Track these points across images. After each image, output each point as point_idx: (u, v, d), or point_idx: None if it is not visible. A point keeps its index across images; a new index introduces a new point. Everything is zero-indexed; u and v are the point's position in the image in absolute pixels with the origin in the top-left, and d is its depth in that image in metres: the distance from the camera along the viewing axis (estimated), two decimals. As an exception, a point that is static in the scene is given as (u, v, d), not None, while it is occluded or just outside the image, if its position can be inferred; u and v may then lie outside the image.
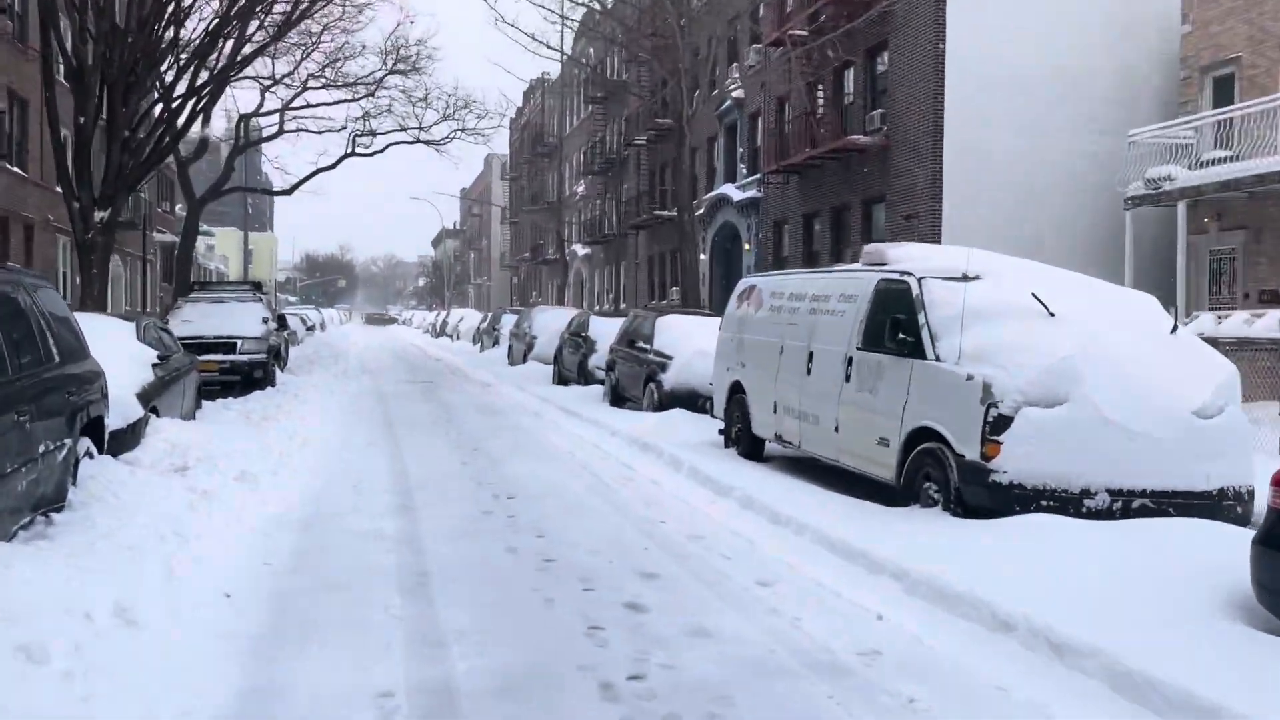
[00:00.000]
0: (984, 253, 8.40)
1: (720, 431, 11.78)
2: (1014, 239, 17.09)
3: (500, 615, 5.48)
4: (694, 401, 13.74)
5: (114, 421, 8.26)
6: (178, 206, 44.14)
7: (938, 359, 7.57)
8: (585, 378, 19.38)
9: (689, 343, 14.38)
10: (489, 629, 5.23)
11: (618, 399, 16.52)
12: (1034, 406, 6.96)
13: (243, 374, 16.65)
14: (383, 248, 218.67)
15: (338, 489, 8.98)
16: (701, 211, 33.36)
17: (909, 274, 8.23)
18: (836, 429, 8.83)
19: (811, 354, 9.44)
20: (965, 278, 7.96)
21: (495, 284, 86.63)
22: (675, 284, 37.90)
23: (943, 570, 5.83)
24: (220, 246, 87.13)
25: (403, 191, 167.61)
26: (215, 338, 16.66)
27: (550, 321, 25.84)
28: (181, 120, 19.65)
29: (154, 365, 9.87)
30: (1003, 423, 6.94)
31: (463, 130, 31.18)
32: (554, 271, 60.53)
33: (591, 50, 50.42)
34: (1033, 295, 7.54)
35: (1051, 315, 7.46)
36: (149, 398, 9.27)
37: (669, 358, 14.31)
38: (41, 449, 5.84)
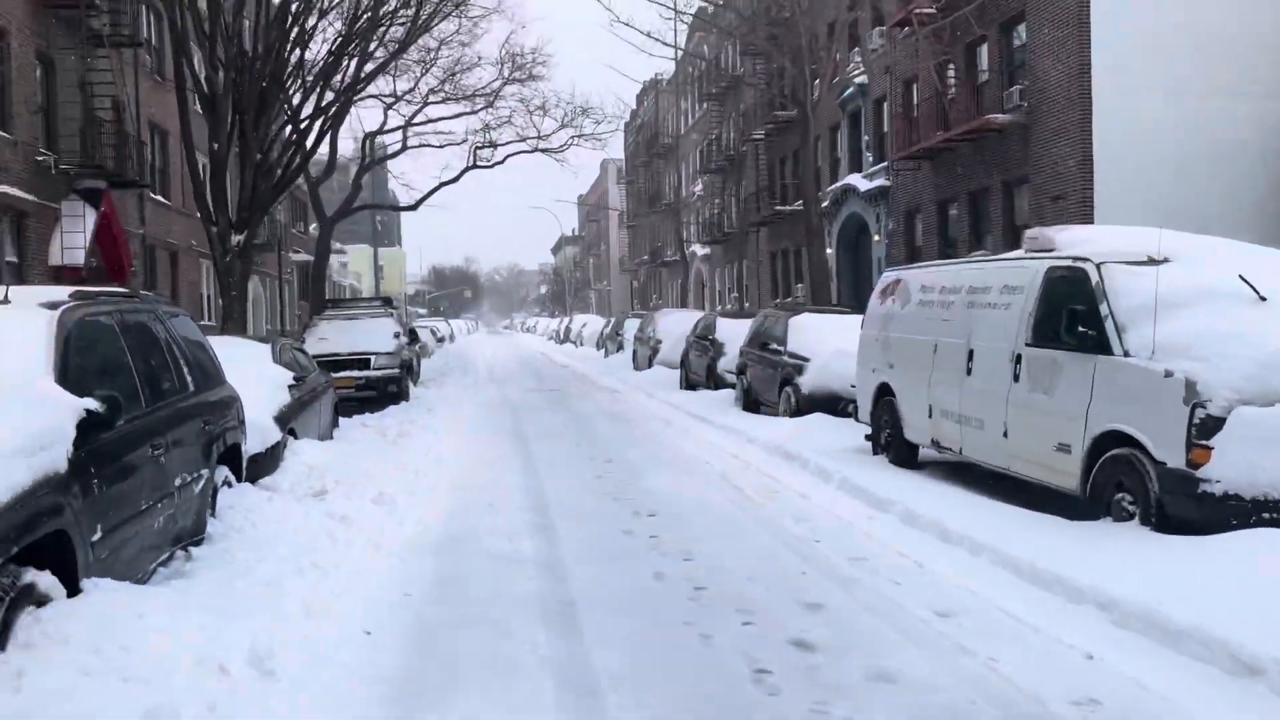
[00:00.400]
0: (1173, 233, 7.49)
1: (867, 437, 11.07)
2: (1175, 216, 15.71)
3: (655, 655, 5.00)
4: (834, 405, 13.04)
5: (252, 446, 8.17)
6: (311, 226, 45.75)
7: (1126, 354, 6.74)
8: (715, 382, 18.84)
9: (826, 343, 13.69)
10: (644, 672, 4.75)
11: (751, 404, 15.93)
12: (1249, 405, 6.08)
13: (378, 389, 16.78)
14: (505, 257, 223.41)
15: (474, 507, 8.70)
16: (826, 204, 32.37)
17: (1084, 259, 7.39)
18: (1005, 434, 8.04)
19: (971, 352, 8.66)
20: (1152, 261, 7.09)
21: (615, 288, 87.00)
22: (799, 281, 36.99)
23: (1158, 600, 5.06)
24: (353, 264, 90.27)
25: (523, 201, 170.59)
26: (350, 355, 16.84)
27: (675, 325, 25.41)
28: (309, 141, 19.99)
29: (290, 386, 9.81)
30: (1212, 424, 6.08)
31: (580, 137, 31.13)
32: (674, 273, 60.23)
33: (705, 47, 49.90)
34: (1240, 278, 6.62)
35: (1263, 300, 6.54)
36: (286, 420, 9.19)
37: (805, 359, 13.64)
38: (178, 481, 5.68)
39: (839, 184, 31.55)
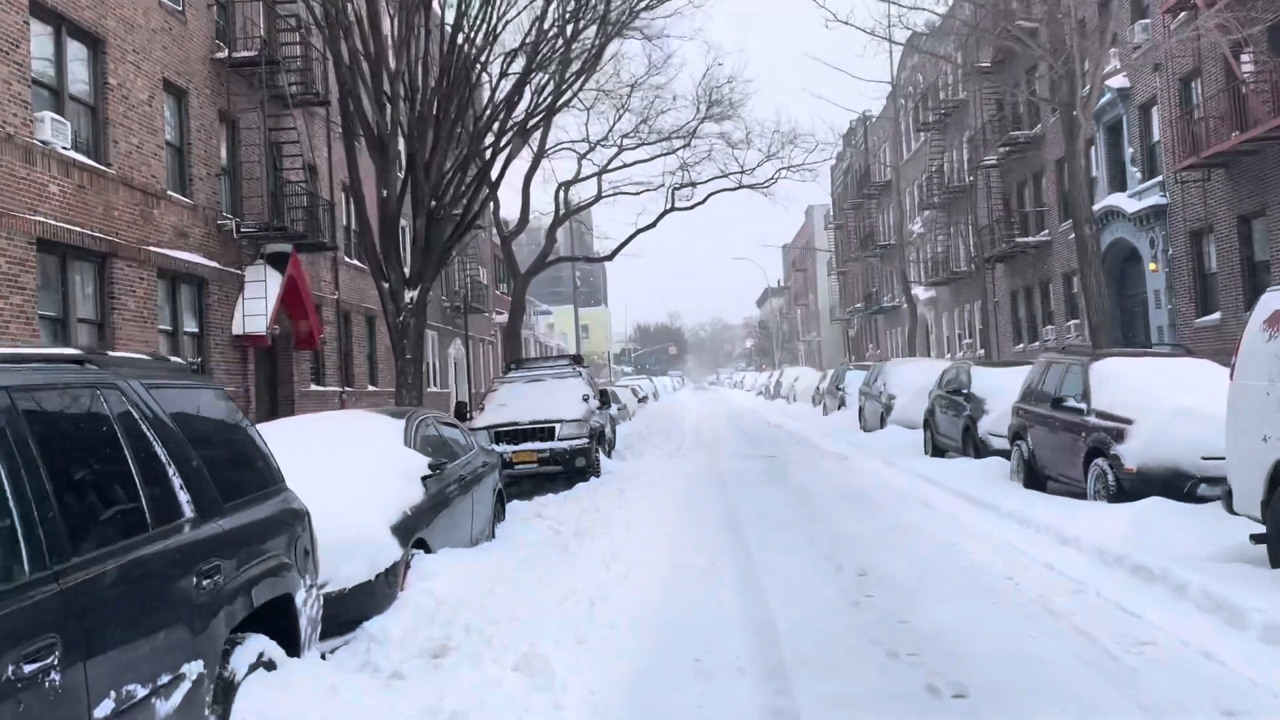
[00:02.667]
0: None
1: (1255, 538, 7.29)
2: None
3: None
4: (1176, 485, 9.26)
5: (352, 572, 5.59)
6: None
7: None
8: (975, 448, 15.13)
9: (1156, 398, 9.92)
10: None
11: (1034, 479, 12.22)
12: None
13: (563, 463, 14.24)
14: (709, 313, 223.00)
15: (672, 669, 5.71)
16: (1079, 232, 27.78)
17: None
18: None
19: None
20: None
21: (825, 339, 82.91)
22: (1048, 322, 32.24)
23: None
24: (560, 324, 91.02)
25: (726, 252, 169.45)
26: (531, 423, 14.41)
27: (911, 376, 21.72)
28: (487, 183, 17.95)
29: (425, 479, 7.23)
30: None
31: (788, 168, 28.17)
32: (891, 321, 55.84)
33: (920, 76, 46.07)
34: None
35: None
36: (412, 529, 6.60)
37: (1126, 421, 9.90)
38: (114, 703, 3.00)
39: (1098, 206, 26.88)
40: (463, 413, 15.80)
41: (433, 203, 15.88)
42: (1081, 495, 10.69)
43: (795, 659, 5.80)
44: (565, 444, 14.24)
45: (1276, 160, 18.98)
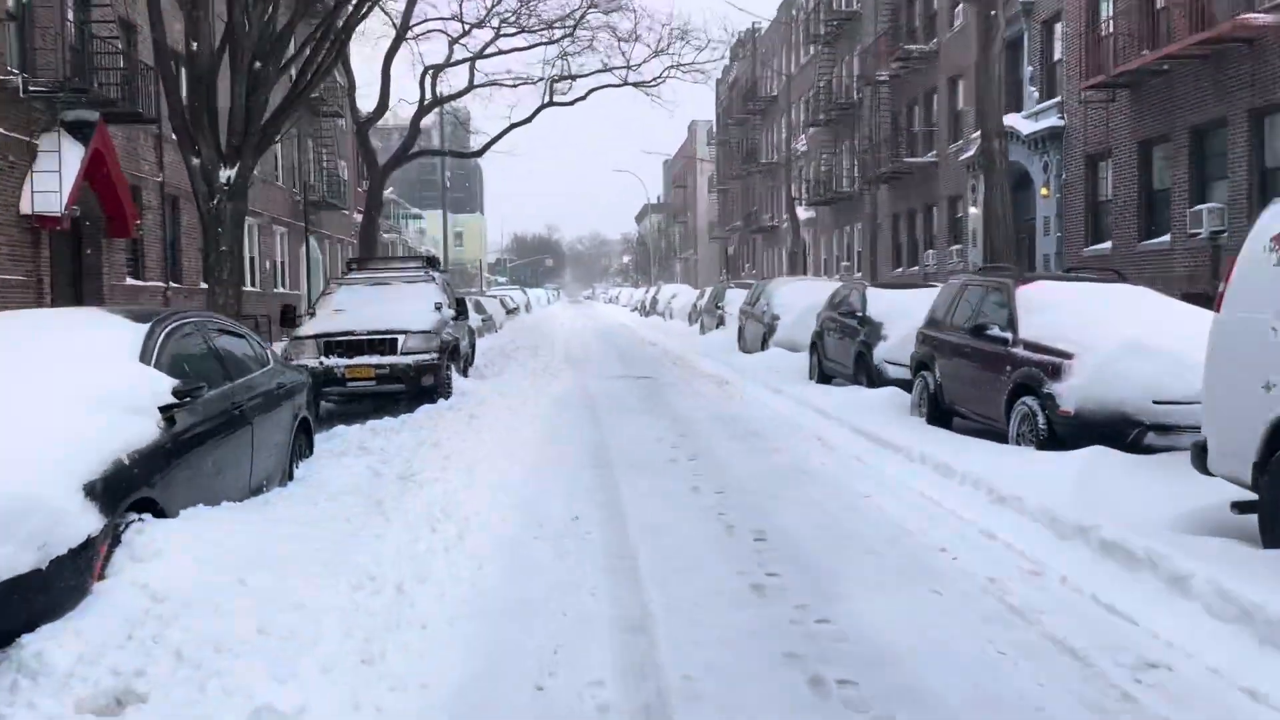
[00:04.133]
0: None
1: (1237, 506, 5.92)
2: None
3: None
4: (1119, 433, 7.91)
5: (6, 558, 3.52)
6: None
7: None
8: (869, 377, 13.71)
9: (1099, 330, 8.51)
10: None
11: (939, 415, 10.84)
12: None
13: (407, 381, 12.11)
14: (588, 226, 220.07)
15: (501, 706, 3.87)
16: (972, 153, 26.75)
17: None
18: None
19: None
20: None
21: (703, 257, 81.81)
22: (929, 246, 31.41)
23: None
24: (431, 230, 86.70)
25: (606, 164, 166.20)
26: (369, 333, 12.18)
27: (796, 297, 20.27)
28: (321, 55, 15.15)
29: (167, 409, 5.09)
30: None
31: (678, 67, 25.94)
32: (770, 241, 54.81)
33: (813, -16, 44.07)
34: None
35: None
36: (129, 484, 4.51)
37: (1065, 355, 8.46)
38: None
39: (991, 127, 25.74)
40: (290, 318, 13.41)
41: (256, 64, 13.15)
42: (997, 436, 9.31)
43: (682, 690, 4.03)
44: (409, 359, 12.09)
45: (1188, 83, 17.99)
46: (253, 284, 28.68)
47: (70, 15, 18.21)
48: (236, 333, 6.89)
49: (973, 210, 27.33)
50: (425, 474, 7.24)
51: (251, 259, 29.01)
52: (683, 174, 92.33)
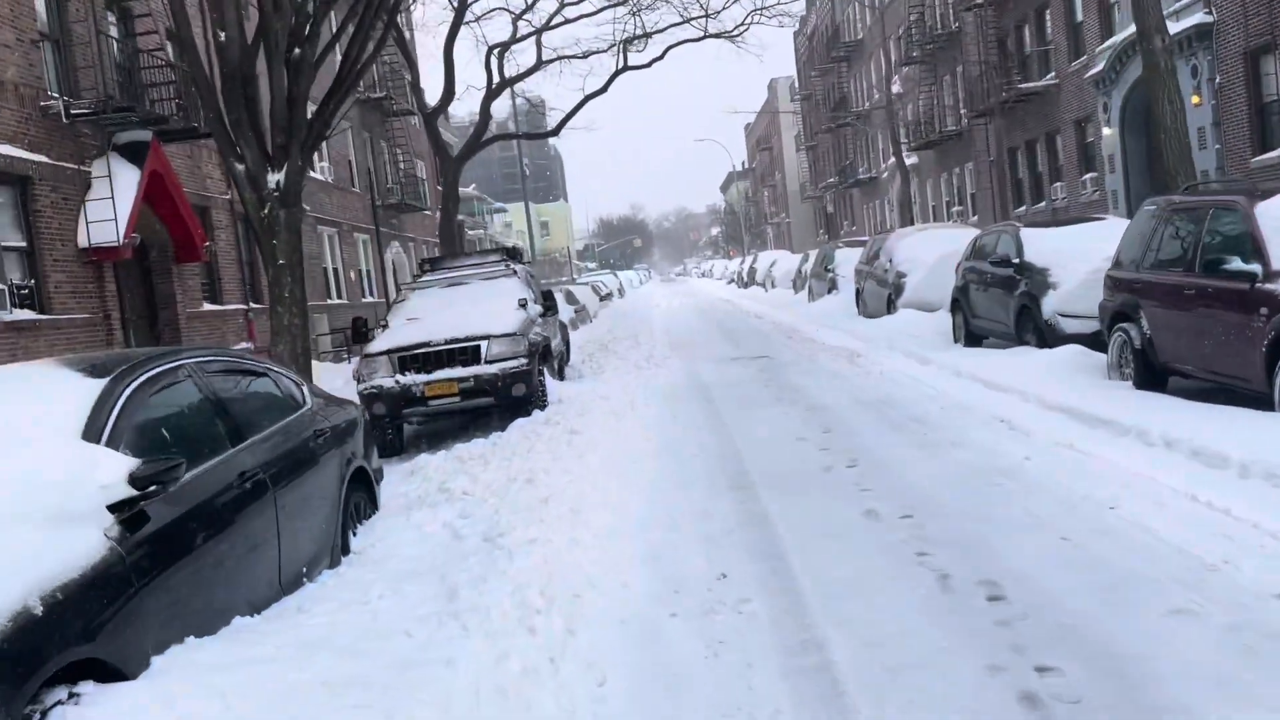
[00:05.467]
0: None
1: None
2: None
3: None
4: None
5: None
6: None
7: None
8: (1038, 334, 11.48)
9: None
10: None
11: (1151, 375, 8.62)
12: None
13: (495, 393, 10.44)
14: (672, 202, 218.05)
15: None
16: (1099, 70, 23.80)
17: None
18: None
19: None
20: None
21: (796, 220, 78.84)
22: (1056, 178, 28.40)
23: None
24: (518, 223, 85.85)
25: (687, 136, 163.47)
26: (447, 343, 10.53)
27: (923, 249, 17.99)
28: (368, 33, 13.49)
29: (120, 511, 3.41)
30: None
31: (762, 10, 23.66)
32: (868, 194, 51.87)
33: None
34: None
35: None
36: (49, 645, 2.82)
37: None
38: None
39: (1120, 37, 22.80)
40: (362, 332, 11.91)
41: (294, 51, 11.60)
42: (1243, 399, 7.12)
43: None
44: (495, 367, 10.40)
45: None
46: (338, 295, 27.69)
47: (113, 30, 17.13)
48: (253, 370, 5.22)
49: (1106, 132, 24.39)
50: (517, 531, 5.46)
51: (335, 270, 28.02)
52: (767, 135, 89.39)
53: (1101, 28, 24.81)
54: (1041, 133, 29.01)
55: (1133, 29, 22.02)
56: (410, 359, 10.45)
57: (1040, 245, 12.10)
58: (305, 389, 5.72)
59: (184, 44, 11.29)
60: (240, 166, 11.46)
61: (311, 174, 26.59)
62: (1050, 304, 11.27)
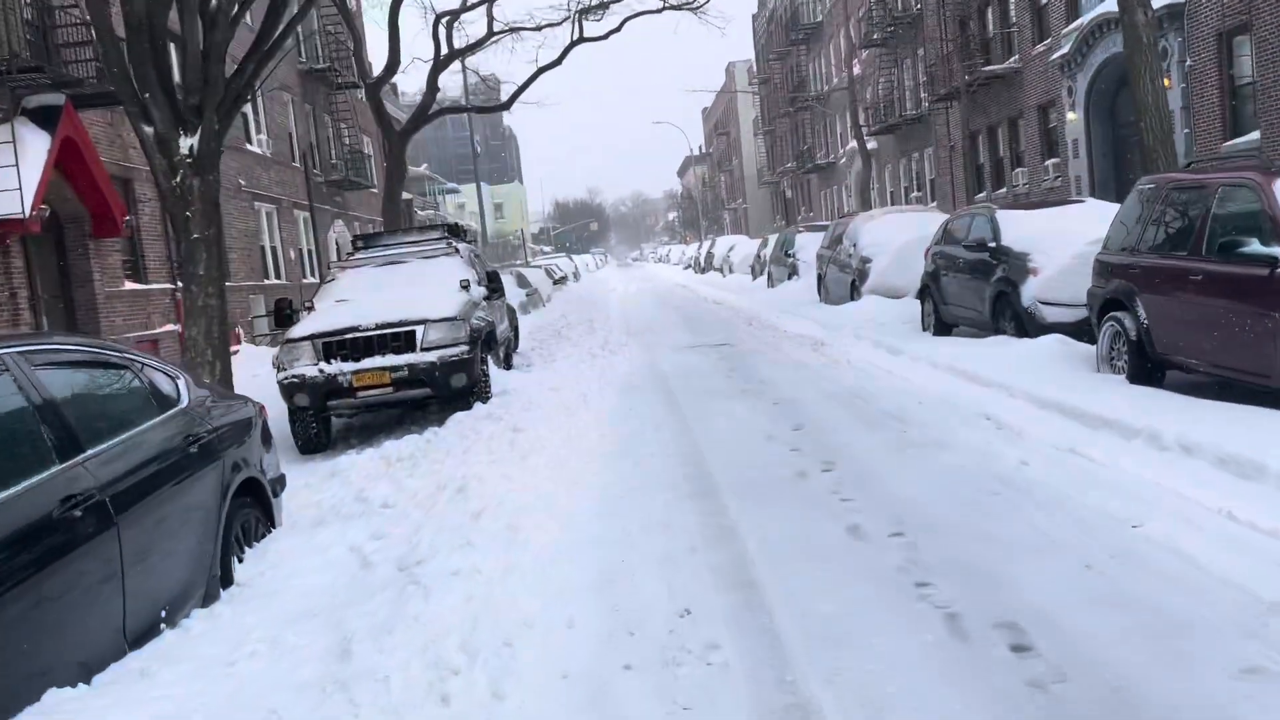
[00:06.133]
0: None
1: None
2: None
3: None
4: None
5: None
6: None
7: None
8: (1016, 323, 10.75)
9: None
10: None
11: (1145, 368, 7.90)
12: None
13: (433, 383, 9.44)
14: (629, 187, 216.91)
15: None
16: (1065, 51, 23.22)
17: None
18: None
19: None
20: None
21: (753, 205, 78.22)
22: (1018, 164, 27.87)
23: None
24: (472, 204, 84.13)
25: (644, 119, 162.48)
26: (379, 327, 9.51)
27: (889, 233, 17.25)
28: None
29: None
30: None
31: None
32: (827, 179, 51.25)
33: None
34: None
35: None
36: None
37: None
38: None
39: (1089, 17, 22.20)
40: (287, 314, 10.85)
41: (210, 3, 10.45)
42: (1249, 396, 6.42)
43: None
44: (433, 355, 9.40)
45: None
46: (277, 275, 26.36)
47: (21, -16, 15.72)
48: (106, 362, 4.21)
49: (1070, 116, 23.85)
50: (439, 558, 4.53)
51: (274, 248, 26.67)
52: (724, 120, 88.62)
53: (1068, 9, 24.24)
54: (1004, 117, 28.48)
55: (1100, 10, 21.58)
56: (337, 345, 9.42)
57: (1018, 229, 11.36)
58: (183, 384, 4.72)
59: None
60: (148, 129, 10.30)
61: (249, 147, 25.23)
62: (1030, 291, 10.54)
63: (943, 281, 12.98)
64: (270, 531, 5.07)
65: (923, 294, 13.75)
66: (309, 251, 29.39)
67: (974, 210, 13.10)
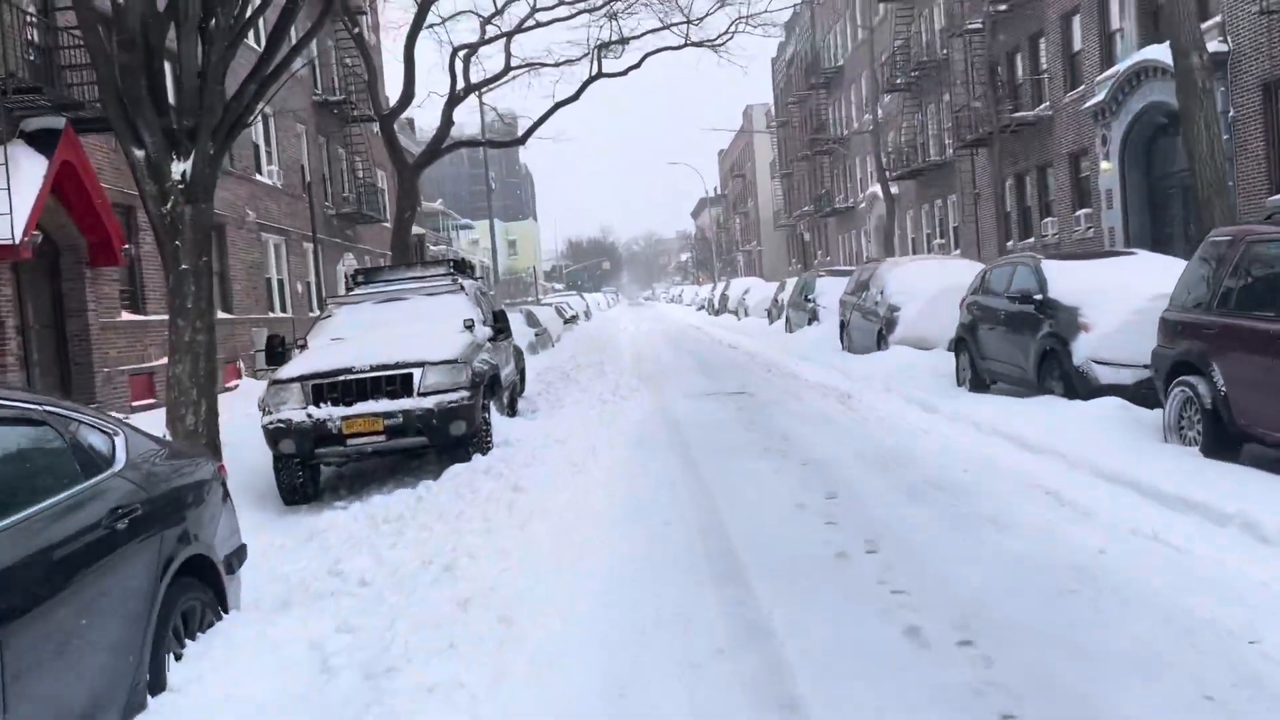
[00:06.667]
0: None
1: None
2: None
3: None
4: None
5: None
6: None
7: None
8: (1066, 384, 9.90)
9: None
10: None
11: (1223, 440, 7.06)
12: None
13: (429, 432, 8.66)
14: (643, 226, 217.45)
15: None
16: (1100, 99, 22.57)
17: None
18: None
19: None
20: None
21: (768, 248, 77.73)
22: (1048, 213, 27.16)
23: None
24: (486, 240, 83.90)
25: (660, 159, 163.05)
26: (374, 369, 8.75)
27: (920, 281, 16.48)
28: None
29: None
30: None
31: (746, 19, 22.17)
32: (844, 223, 50.67)
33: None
34: None
35: None
36: None
37: None
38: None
39: (1127, 64, 21.56)
40: (278, 351, 10.13)
41: (210, 21, 9.85)
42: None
43: None
44: (430, 401, 8.63)
45: None
46: (283, 309, 25.75)
47: (29, 4, 15.27)
48: (21, 417, 3.43)
49: (1104, 165, 23.13)
50: (414, 666, 3.71)
51: (280, 281, 26.09)
52: (740, 162, 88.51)
53: (1102, 57, 23.64)
54: (1032, 165, 27.82)
55: (1139, 57, 20.94)
56: (328, 388, 8.67)
57: (1067, 281, 10.56)
58: (121, 442, 3.95)
59: (76, 2, 9.49)
60: (140, 153, 9.65)
61: (259, 177, 24.74)
62: (1083, 348, 9.72)
63: (981, 334, 12.19)
64: (220, 619, 4.27)
65: (958, 347, 12.94)
66: (317, 285, 28.83)
67: (1016, 259, 12.33)
